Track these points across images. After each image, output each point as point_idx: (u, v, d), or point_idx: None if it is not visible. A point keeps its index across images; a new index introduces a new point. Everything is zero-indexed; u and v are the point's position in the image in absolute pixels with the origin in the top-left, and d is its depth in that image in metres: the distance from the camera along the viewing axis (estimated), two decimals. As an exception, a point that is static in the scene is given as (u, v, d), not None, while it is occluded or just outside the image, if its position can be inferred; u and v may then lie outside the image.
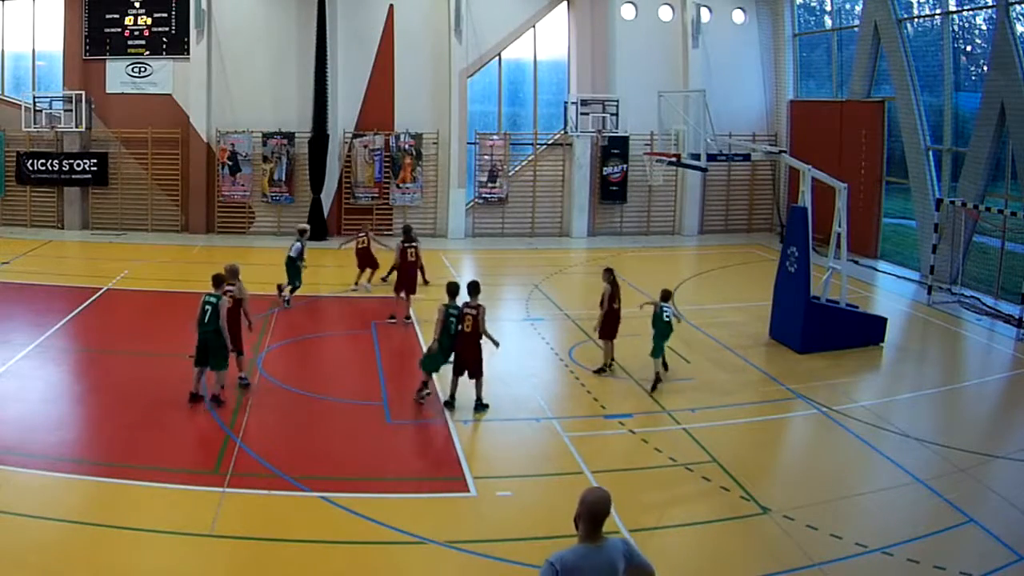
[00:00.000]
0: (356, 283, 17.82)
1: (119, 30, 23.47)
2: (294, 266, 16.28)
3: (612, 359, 12.95)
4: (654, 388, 12.16)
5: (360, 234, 17.87)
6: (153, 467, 9.15)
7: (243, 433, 10.24)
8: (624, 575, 4.71)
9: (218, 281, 11.33)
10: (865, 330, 14.69)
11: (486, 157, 24.51)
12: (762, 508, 8.75)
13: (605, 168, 24.93)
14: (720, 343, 14.61)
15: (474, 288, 11.46)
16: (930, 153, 20.18)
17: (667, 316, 12.45)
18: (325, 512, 8.50)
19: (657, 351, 12.40)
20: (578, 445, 10.28)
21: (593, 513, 4.68)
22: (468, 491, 9.11)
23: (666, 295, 12.82)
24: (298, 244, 16.33)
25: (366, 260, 17.68)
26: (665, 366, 12.71)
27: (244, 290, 11.94)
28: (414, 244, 15.69)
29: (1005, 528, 8.35)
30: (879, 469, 9.91)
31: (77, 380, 12.43)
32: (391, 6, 23.96)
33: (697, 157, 15.57)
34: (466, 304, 11.26)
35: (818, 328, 14.12)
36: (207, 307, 11.04)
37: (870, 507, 8.95)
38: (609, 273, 12.81)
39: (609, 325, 12.66)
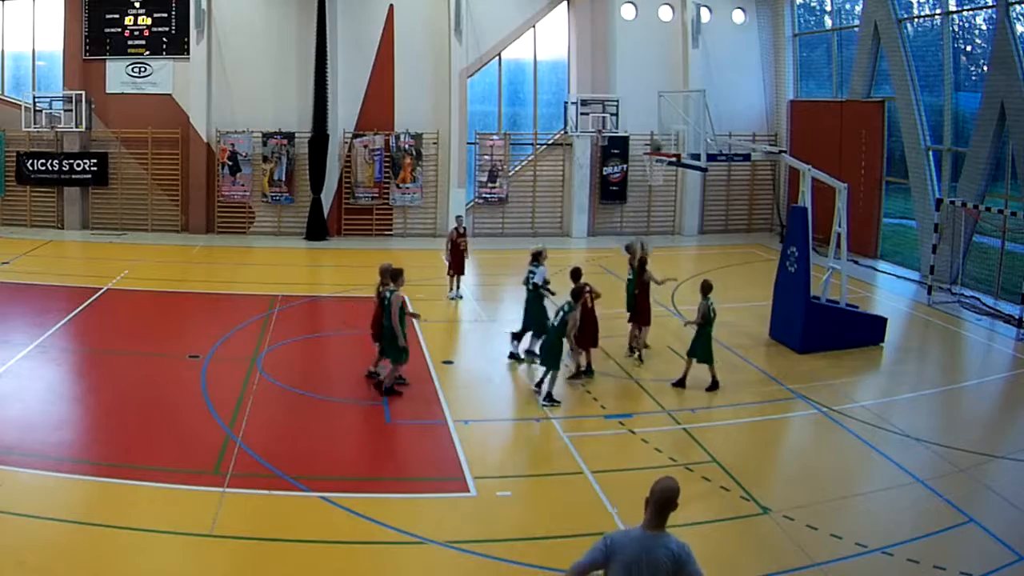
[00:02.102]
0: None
1: (119, 30, 23.47)
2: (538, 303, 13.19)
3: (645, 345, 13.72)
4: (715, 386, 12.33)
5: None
6: (153, 467, 9.15)
7: (243, 433, 10.24)
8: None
9: (394, 276, 11.55)
10: (865, 330, 14.68)
11: (486, 157, 24.51)
12: (762, 508, 8.75)
13: (605, 168, 24.92)
14: (720, 343, 14.54)
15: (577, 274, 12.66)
16: (930, 153, 20.18)
17: (713, 312, 12.37)
18: (325, 512, 8.50)
19: (705, 354, 12.35)
20: (578, 445, 10.27)
21: (657, 502, 4.81)
22: (468, 491, 9.10)
23: (707, 287, 12.56)
24: (541, 269, 13.45)
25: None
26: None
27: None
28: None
29: (1005, 528, 8.35)
30: (879, 469, 9.91)
31: (77, 380, 12.43)
32: (391, 6, 23.96)
33: (697, 157, 15.56)
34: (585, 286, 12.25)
35: (818, 328, 14.11)
36: (385, 302, 11.44)
37: (870, 507, 8.95)
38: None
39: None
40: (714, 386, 12.32)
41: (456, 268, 17.14)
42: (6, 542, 7.59)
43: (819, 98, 24.94)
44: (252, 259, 21.60)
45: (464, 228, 17.44)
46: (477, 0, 24.12)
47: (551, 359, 11.64)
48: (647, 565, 4.71)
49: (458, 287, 17.38)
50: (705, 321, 12.26)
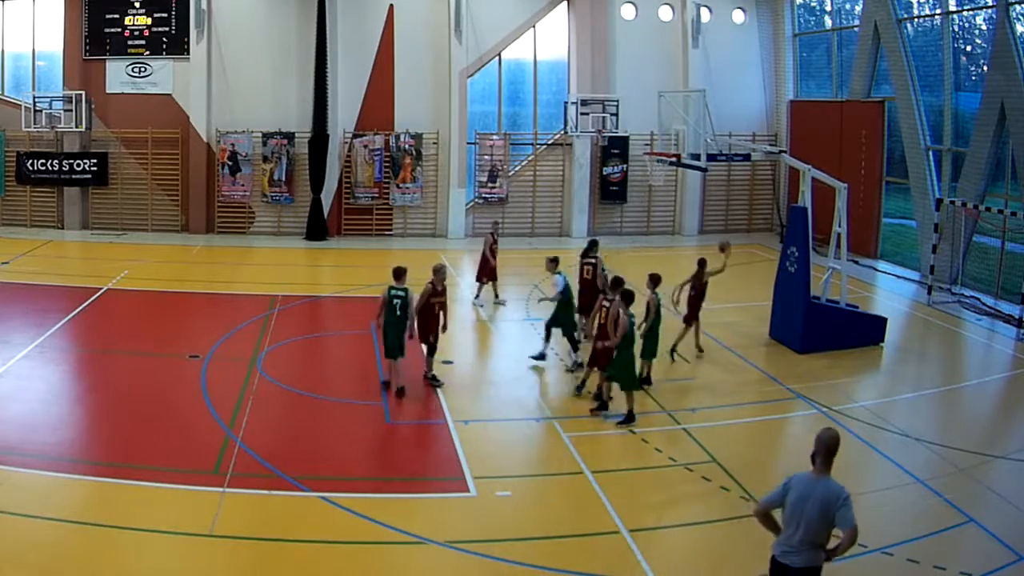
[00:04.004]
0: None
1: (119, 30, 23.47)
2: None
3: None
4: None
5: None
6: (153, 467, 9.15)
7: (243, 433, 10.24)
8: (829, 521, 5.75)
9: (399, 274, 11.61)
10: (865, 330, 14.67)
11: (486, 157, 24.51)
12: (762, 508, 8.73)
13: (605, 168, 24.93)
14: (720, 343, 14.61)
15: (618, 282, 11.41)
16: (930, 153, 20.18)
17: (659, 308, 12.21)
18: (325, 512, 8.50)
19: (650, 351, 12.22)
20: (578, 445, 10.27)
21: (825, 451, 5.92)
22: (468, 491, 9.10)
23: (656, 280, 12.23)
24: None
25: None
26: (648, 379, 12.29)
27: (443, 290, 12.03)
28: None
29: (1005, 528, 8.35)
30: (879, 469, 9.91)
31: (77, 380, 12.43)
32: (391, 6, 23.96)
33: (697, 157, 15.56)
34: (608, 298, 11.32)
35: (818, 328, 14.11)
36: (396, 301, 11.40)
37: (870, 507, 8.92)
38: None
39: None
40: (645, 382, 12.10)
41: (487, 274, 17.06)
42: (6, 542, 7.59)
43: (819, 98, 24.94)
44: (252, 259, 21.61)
45: (497, 236, 17.23)
46: (477, 0, 24.13)
47: (628, 379, 10.99)
48: (808, 501, 5.78)
49: (496, 294, 17.22)
50: (655, 316, 12.09)
